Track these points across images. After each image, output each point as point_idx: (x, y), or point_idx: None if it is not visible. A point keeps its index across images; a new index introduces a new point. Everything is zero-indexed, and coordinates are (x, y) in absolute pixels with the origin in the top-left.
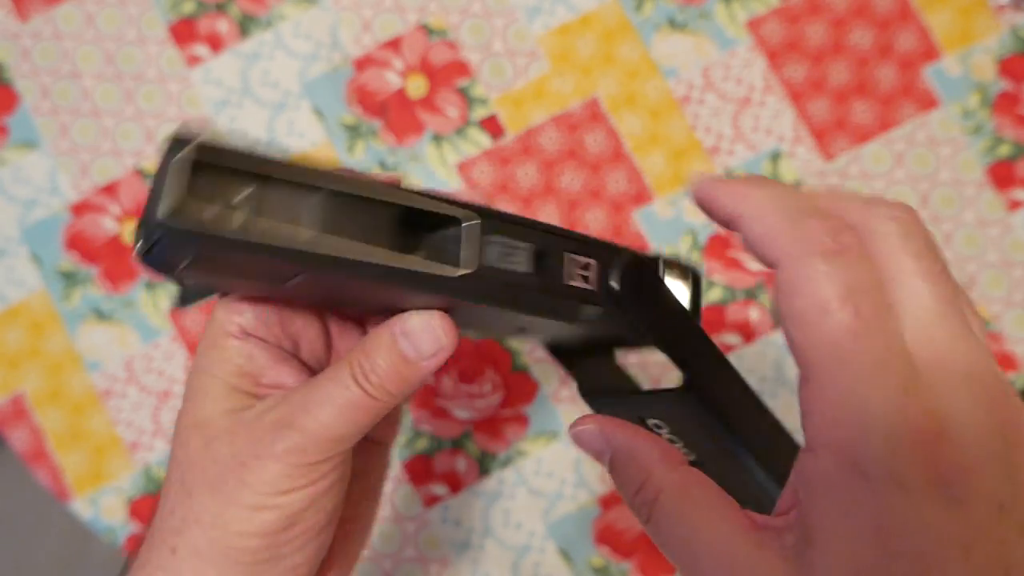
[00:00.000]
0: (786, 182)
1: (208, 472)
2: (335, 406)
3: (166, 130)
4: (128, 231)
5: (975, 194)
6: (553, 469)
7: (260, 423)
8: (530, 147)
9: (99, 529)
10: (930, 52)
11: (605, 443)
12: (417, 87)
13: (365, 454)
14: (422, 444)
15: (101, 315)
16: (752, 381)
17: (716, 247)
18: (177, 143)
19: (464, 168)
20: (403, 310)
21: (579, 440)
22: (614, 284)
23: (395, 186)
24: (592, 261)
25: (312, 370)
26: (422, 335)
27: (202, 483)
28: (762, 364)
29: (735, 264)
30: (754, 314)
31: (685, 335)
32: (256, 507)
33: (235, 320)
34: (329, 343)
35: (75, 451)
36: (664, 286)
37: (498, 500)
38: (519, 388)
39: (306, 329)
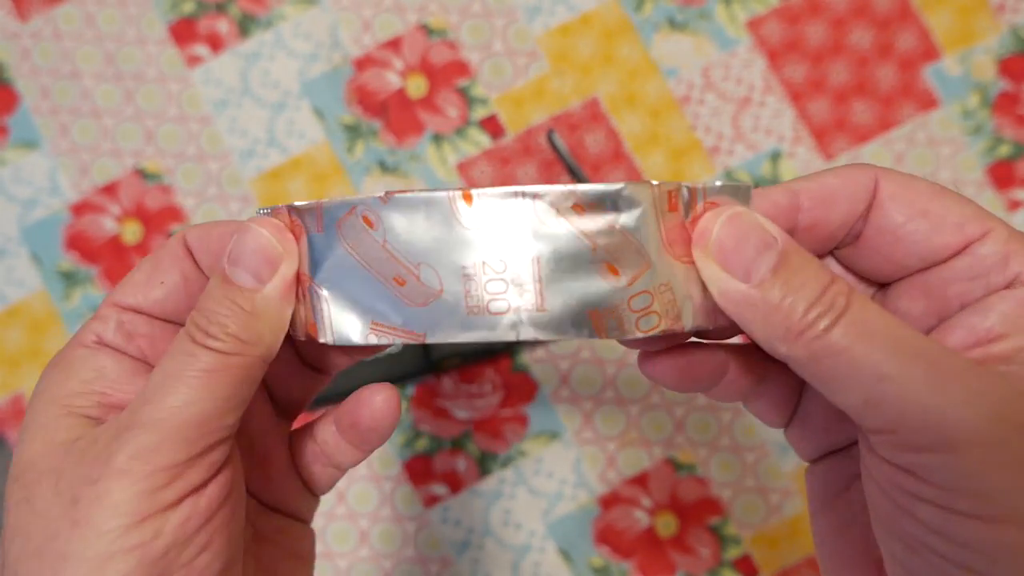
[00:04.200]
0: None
1: (32, 534)
2: (182, 380)
3: (166, 130)
4: (128, 231)
5: (975, 194)
6: (553, 469)
7: (95, 445)
8: (530, 147)
9: None
10: (930, 52)
11: (773, 235)
12: (417, 87)
13: (285, 535)
14: (422, 444)
15: None
16: None
17: None
18: None
19: (464, 168)
20: None
21: (736, 225)
22: None
23: None
24: None
25: None
26: (252, 254)
27: (25, 554)
28: None
29: None
30: None
31: None
32: (103, 557)
33: (95, 328)
34: None
35: None
36: None
37: (498, 500)
38: (519, 388)
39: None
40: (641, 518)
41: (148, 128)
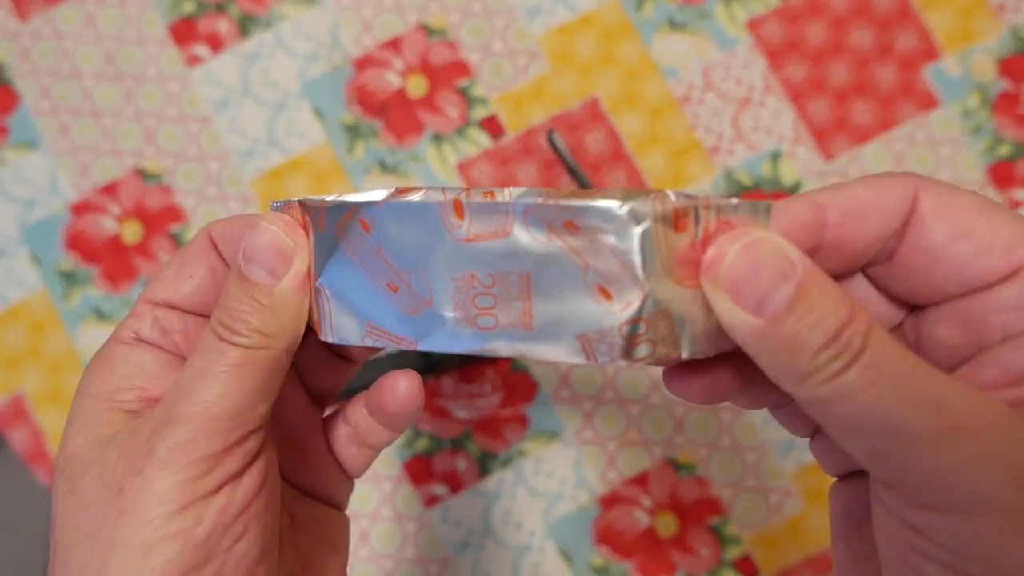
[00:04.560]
0: (788, 186)
1: (80, 523)
2: (212, 376)
3: (166, 130)
4: (128, 231)
5: None
6: (553, 469)
7: (135, 438)
8: (530, 147)
9: None
10: (930, 52)
11: (793, 261)
12: (417, 87)
13: (320, 523)
14: (422, 444)
15: (101, 315)
16: None
17: None
18: None
19: (464, 168)
20: None
21: (751, 254)
22: None
23: None
24: None
25: None
26: (265, 251)
27: (75, 542)
28: None
29: None
30: None
31: None
32: (148, 543)
33: (132, 326)
34: None
35: None
36: None
37: (498, 500)
38: (519, 388)
39: None
40: (641, 518)
41: (148, 128)
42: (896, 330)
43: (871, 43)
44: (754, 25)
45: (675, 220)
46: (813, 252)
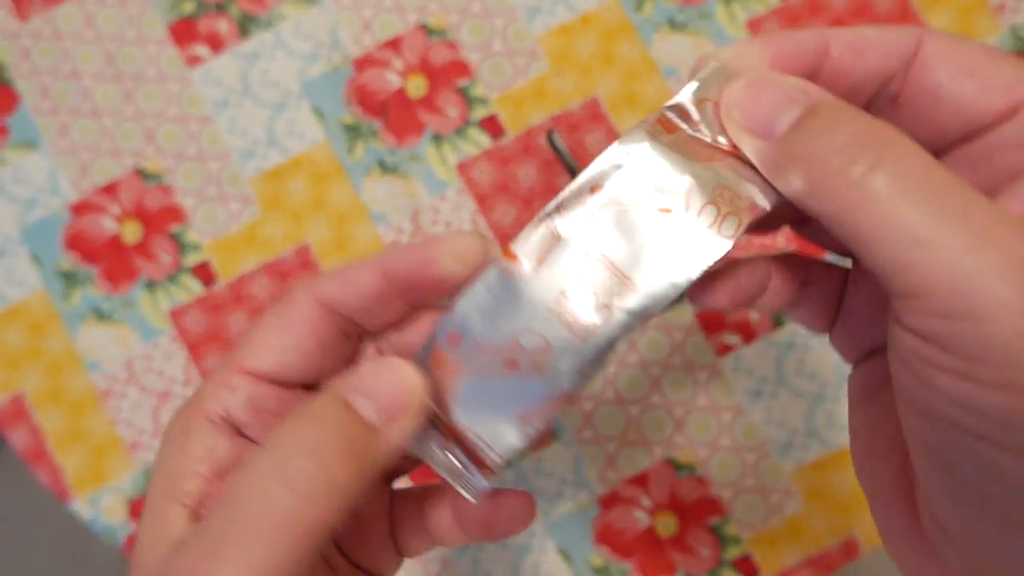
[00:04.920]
0: None
1: None
2: (252, 539)
3: (166, 130)
4: (128, 231)
5: None
6: (553, 469)
7: None
8: (530, 147)
9: (99, 529)
10: None
11: (801, 88)
12: (417, 87)
13: None
14: None
15: (101, 315)
16: (751, 382)
17: None
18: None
19: (464, 168)
20: None
21: (755, 86)
22: None
23: None
24: None
25: None
26: (386, 386)
27: None
28: (762, 364)
29: None
30: (754, 314)
31: None
32: None
33: (224, 400)
34: None
35: (75, 451)
36: None
37: None
38: None
39: None
40: (641, 518)
41: (148, 128)
42: None
43: None
44: (754, 25)
45: (663, 126)
46: (812, 79)
